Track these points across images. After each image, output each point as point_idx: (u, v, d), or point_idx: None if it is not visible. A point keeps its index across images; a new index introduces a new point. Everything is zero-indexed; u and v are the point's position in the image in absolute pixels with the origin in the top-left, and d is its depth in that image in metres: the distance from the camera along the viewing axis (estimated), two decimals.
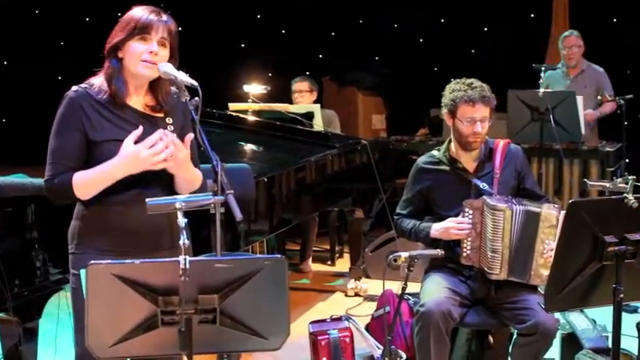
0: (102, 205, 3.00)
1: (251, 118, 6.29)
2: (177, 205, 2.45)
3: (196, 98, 2.95)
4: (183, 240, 2.36)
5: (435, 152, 4.34)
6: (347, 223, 6.64)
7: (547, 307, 3.34)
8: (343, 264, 7.28)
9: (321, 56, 10.26)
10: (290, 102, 7.19)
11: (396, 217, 4.40)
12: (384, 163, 7.20)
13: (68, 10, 10.47)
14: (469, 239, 4.08)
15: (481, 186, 4.15)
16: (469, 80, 4.17)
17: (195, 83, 2.94)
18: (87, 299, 2.42)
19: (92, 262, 2.36)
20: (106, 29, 3.11)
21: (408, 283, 3.83)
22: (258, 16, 10.35)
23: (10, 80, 10.47)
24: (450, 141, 4.28)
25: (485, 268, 4.05)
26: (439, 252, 3.97)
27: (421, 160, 4.38)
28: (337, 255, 7.51)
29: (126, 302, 2.43)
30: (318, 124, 6.54)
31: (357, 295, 6.38)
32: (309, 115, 6.56)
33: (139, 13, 3.02)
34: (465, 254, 4.10)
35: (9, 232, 3.92)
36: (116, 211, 3.00)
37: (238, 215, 2.76)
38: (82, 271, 2.36)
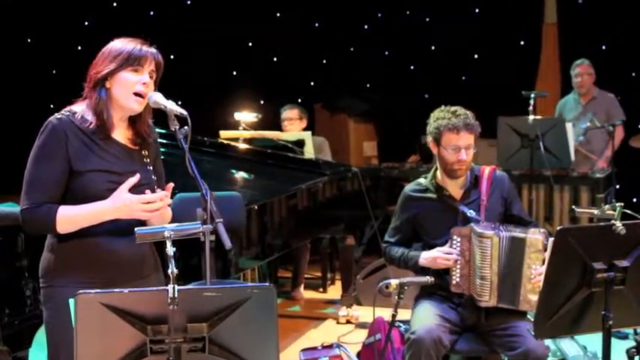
0: (78, 237, 2.97)
1: (242, 145, 6.32)
2: (166, 234, 2.46)
3: (186, 127, 2.97)
4: (172, 268, 2.36)
5: (421, 180, 4.35)
6: (338, 250, 6.64)
7: (537, 333, 3.34)
8: (335, 291, 7.28)
9: (312, 83, 10.29)
10: (281, 129, 7.22)
11: (384, 245, 4.41)
12: (376, 190, 7.23)
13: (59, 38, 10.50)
14: (458, 267, 4.09)
15: (468, 213, 4.17)
16: (453, 108, 4.19)
17: (184, 112, 2.96)
18: (76, 329, 2.41)
19: (81, 291, 2.36)
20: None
21: (399, 310, 3.84)
22: (250, 44, 10.38)
23: None
24: (436, 168, 4.30)
25: (475, 295, 4.06)
26: (429, 279, 3.98)
27: (408, 188, 4.39)
28: (329, 282, 7.51)
29: (115, 331, 2.43)
30: (309, 152, 6.56)
31: (348, 322, 6.38)
32: (301, 143, 6.57)
33: (129, 44, 3.02)
34: (454, 282, 4.10)
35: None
36: (94, 242, 2.97)
37: (228, 244, 2.77)
38: (71, 301, 2.35)
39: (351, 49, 10.16)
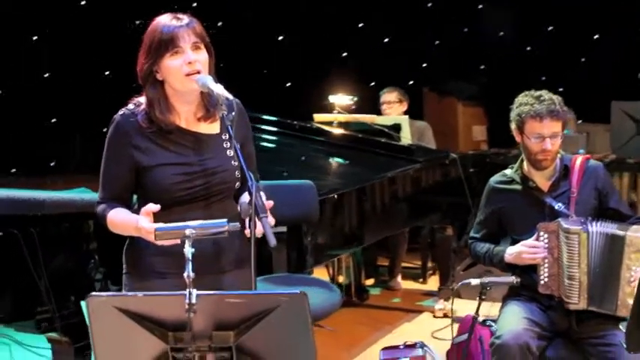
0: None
1: (332, 130, 6.07)
2: (187, 233, 2.23)
3: (233, 113, 2.74)
4: (188, 272, 2.13)
5: (507, 171, 4.02)
6: (435, 241, 6.33)
7: (628, 346, 2.99)
8: (436, 282, 6.95)
9: (425, 65, 9.97)
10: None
11: (469, 240, 4.11)
12: (479, 177, 6.84)
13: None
14: (546, 266, 3.74)
15: (556, 207, 3.80)
16: (537, 93, 3.83)
17: (230, 97, 2.73)
18: (91, 334, 2.23)
19: (92, 293, 2.16)
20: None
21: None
22: (361, 25, 10.12)
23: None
24: (523, 158, 3.95)
25: (564, 297, 3.71)
26: (514, 279, 3.68)
27: (493, 179, 4.06)
28: (430, 272, 7.19)
29: (133, 337, 2.23)
30: (405, 137, 6.26)
31: (445, 316, 6.05)
32: (397, 127, 6.27)
33: (158, 27, 2.80)
34: (542, 282, 3.76)
35: (65, 249, 3.83)
36: None
37: (272, 241, 2.53)
38: (82, 303, 2.17)
39: (465, 29, 9.81)
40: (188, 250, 2.19)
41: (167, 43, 2.77)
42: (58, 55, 9.40)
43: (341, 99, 6.43)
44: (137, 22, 9.03)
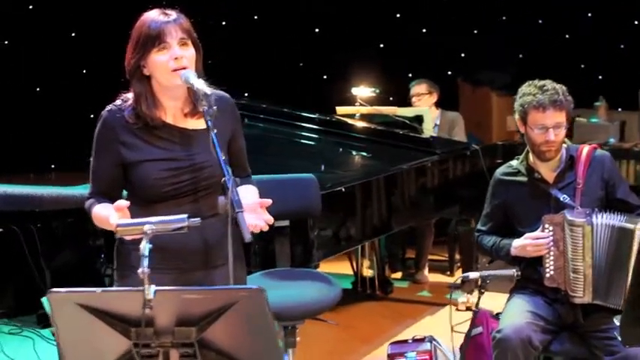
0: None
1: (350, 122, 6.02)
2: (146, 229, 2.22)
3: (214, 108, 2.72)
4: (143, 268, 2.13)
5: (513, 162, 3.95)
6: (458, 234, 6.26)
7: (624, 339, 2.93)
8: None
9: (463, 55, 9.87)
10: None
11: (476, 233, 4.04)
12: None
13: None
14: (552, 258, 3.67)
15: (561, 198, 3.73)
16: (541, 82, 3.75)
17: (208, 92, 2.71)
18: (56, 331, 2.24)
19: (53, 289, 2.17)
20: None
21: None
22: (398, 15, 10.05)
23: None
24: (528, 149, 3.88)
25: (569, 291, 3.64)
26: (514, 272, 3.62)
27: (499, 171, 4.00)
28: (457, 265, 7.10)
29: (97, 334, 2.23)
30: (427, 128, 6.20)
31: (468, 309, 5.97)
32: (419, 119, 6.22)
33: (146, 21, 2.80)
34: (548, 275, 3.69)
35: (72, 244, 3.87)
36: None
37: (247, 236, 2.53)
38: (44, 299, 2.18)
39: (503, 17, 9.68)
40: (145, 247, 2.18)
41: (154, 39, 2.76)
42: (96, 52, 9.50)
43: (363, 91, 6.39)
44: None
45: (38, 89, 10.16)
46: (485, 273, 3.57)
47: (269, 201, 2.74)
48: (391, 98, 8.02)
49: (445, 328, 4.99)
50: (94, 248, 3.89)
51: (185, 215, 2.35)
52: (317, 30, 10.09)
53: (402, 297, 6.49)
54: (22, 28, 9.81)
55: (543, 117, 3.69)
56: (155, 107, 2.83)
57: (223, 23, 10.35)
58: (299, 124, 5.80)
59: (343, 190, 4.42)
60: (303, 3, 9.74)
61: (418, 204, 5.35)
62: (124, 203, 2.63)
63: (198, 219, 2.38)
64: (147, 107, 2.81)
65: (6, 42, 9.98)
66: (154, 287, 2.12)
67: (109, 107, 2.87)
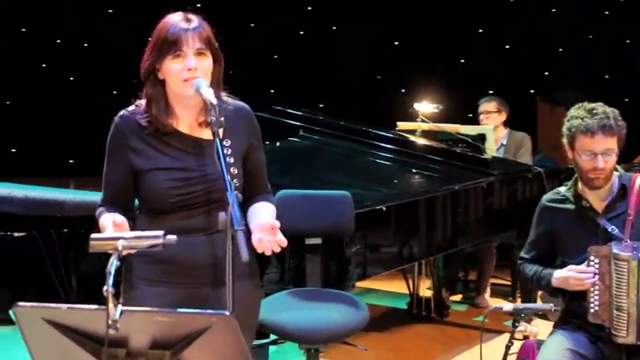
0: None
1: (410, 138, 5.82)
2: (118, 245, 2.08)
3: (222, 118, 2.60)
4: (108, 287, 2.00)
5: (561, 188, 3.71)
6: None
7: None
8: None
9: (547, 73, 9.57)
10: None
11: (519, 261, 3.82)
12: None
13: None
14: (597, 293, 3.42)
15: (609, 229, 3.47)
16: (591, 105, 3.51)
17: (214, 102, 2.59)
18: (26, 345, 2.12)
19: (18, 303, 2.06)
20: None
21: None
22: (480, 30, 9.81)
23: None
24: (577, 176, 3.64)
25: (612, 329, 3.38)
26: (551, 307, 3.39)
27: (546, 197, 3.76)
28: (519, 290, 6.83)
29: (68, 352, 2.11)
30: (490, 147, 5.96)
31: (525, 338, 5.71)
32: (482, 137, 5.99)
33: (166, 25, 2.70)
34: (592, 311, 3.44)
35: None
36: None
37: (244, 256, 2.40)
38: (11, 312, 2.07)
39: (590, 36, 9.36)
40: (112, 263, 2.05)
41: (170, 45, 2.68)
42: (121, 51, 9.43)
43: (425, 107, 6.19)
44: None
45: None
46: (520, 306, 3.35)
47: (277, 223, 2.61)
48: (470, 115, 7.81)
49: (494, 357, 4.76)
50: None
51: (161, 232, 2.21)
52: (396, 43, 9.91)
53: (458, 321, 6.26)
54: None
55: (591, 142, 3.45)
56: (166, 112, 2.75)
57: (301, 33, 10.26)
58: (356, 137, 5.63)
59: (384, 209, 4.23)
60: (379, 14, 9.57)
61: (467, 227, 5.12)
62: (119, 220, 2.55)
63: (174, 236, 2.23)
64: (157, 111, 2.73)
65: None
66: (120, 307, 1.99)
67: (121, 112, 2.80)
